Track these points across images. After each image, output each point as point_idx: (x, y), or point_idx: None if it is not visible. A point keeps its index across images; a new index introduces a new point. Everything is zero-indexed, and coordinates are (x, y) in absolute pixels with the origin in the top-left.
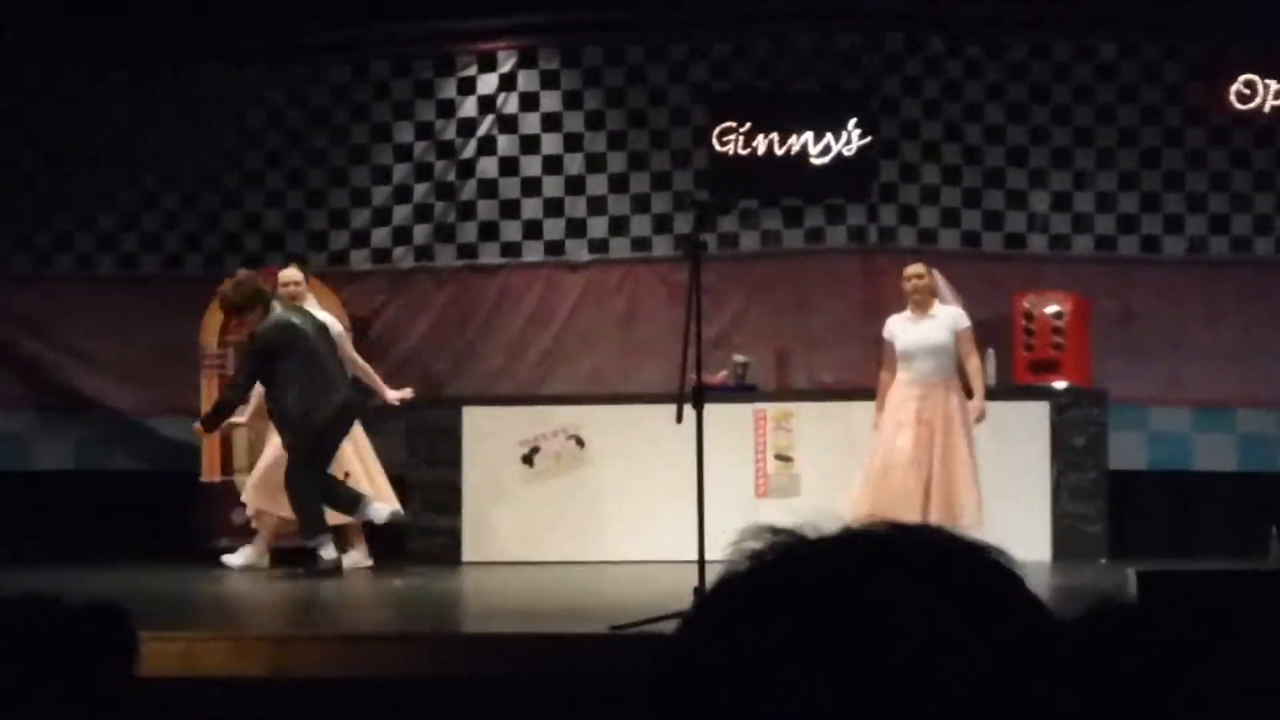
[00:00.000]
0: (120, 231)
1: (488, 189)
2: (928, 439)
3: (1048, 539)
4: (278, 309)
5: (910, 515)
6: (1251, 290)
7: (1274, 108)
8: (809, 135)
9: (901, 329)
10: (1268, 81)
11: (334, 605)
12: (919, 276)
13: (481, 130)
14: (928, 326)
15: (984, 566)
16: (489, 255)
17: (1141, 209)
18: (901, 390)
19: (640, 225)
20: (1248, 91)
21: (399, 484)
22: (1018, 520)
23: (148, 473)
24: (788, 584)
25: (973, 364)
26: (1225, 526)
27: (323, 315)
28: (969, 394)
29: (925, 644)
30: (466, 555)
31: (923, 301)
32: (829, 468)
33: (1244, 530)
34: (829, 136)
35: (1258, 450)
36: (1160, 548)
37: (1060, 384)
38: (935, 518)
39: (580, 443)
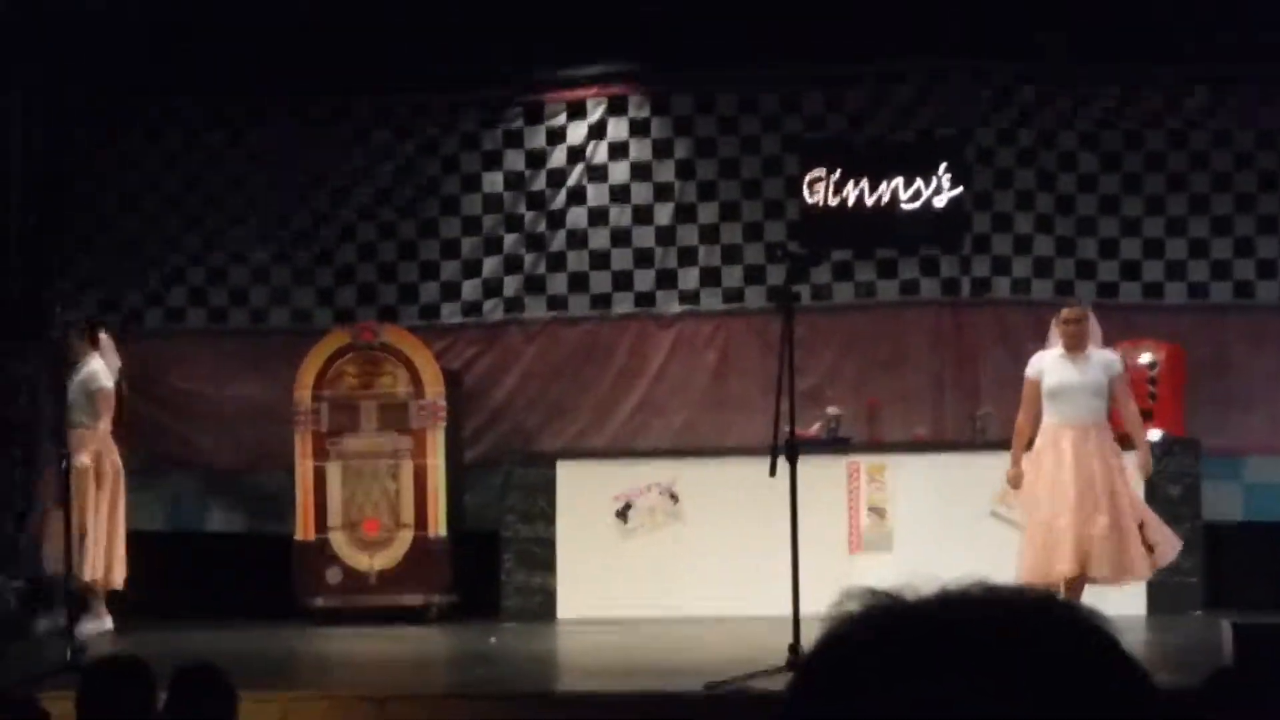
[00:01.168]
0: (208, 286)
1: (577, 239)
2: (1089, 480)
3: (1143, 592)
4: None
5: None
6: None
7: None
8: (899, 181)
9: (1052, 366)
10: None
11: (432, 663)
12: (1077, 321)
13: (571, 180)
14: (1082, 365)
15: (1079, 634)
16: (579, 307)
17: (1235, 254)
18: (1050, 433)
19: (732, 276)
20: None
21: (494, 540)
22: None
23: (241, 534)
24: (879, 659)
25: (1132, 410)
26: None
27: None
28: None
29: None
30: (561, 612)
31: (1079, 345)
32: (922, 521)
33: None
34: (919, 182)
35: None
36: (1258, 601)
37: (1155, 434)
38: (1105, 571)
39: (674, 497)
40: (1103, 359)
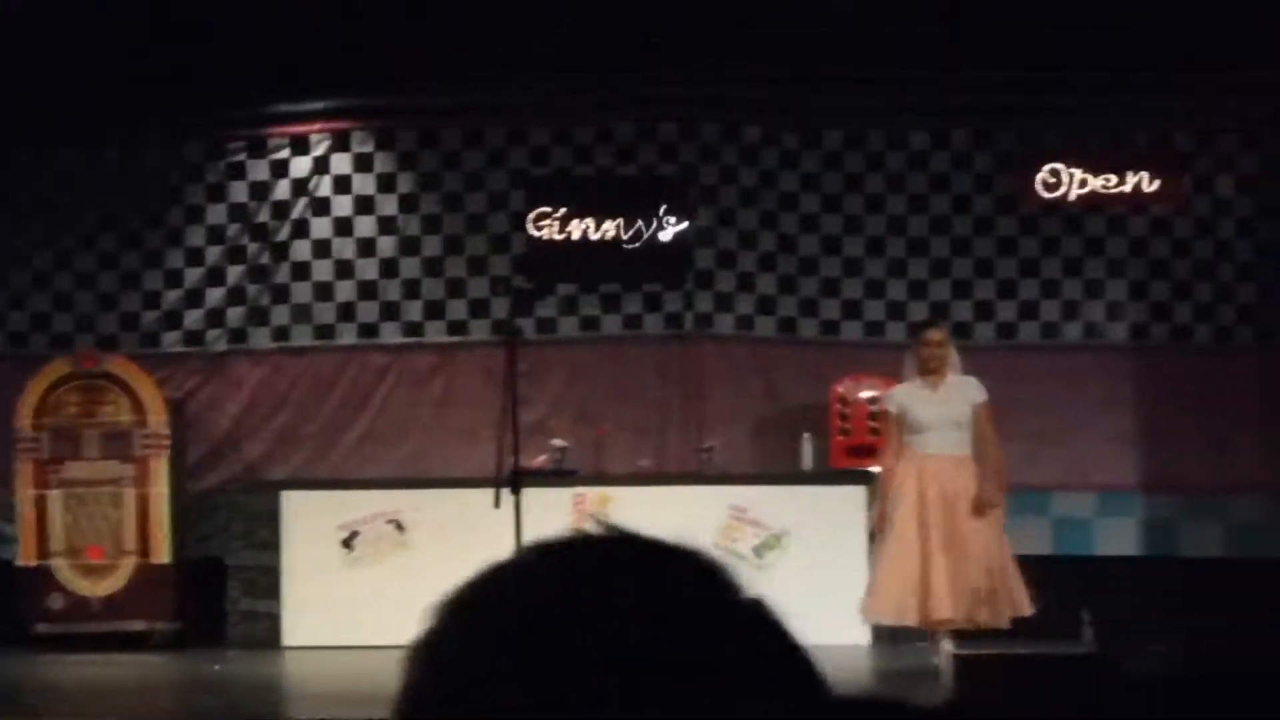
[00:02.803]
0: None
1: (301, 271)
2: (948, 517)
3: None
4: None
5: (932, 604)
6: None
7: (1079, 196)
8: (621, 221)
9: (912, 400)
10: (1072, 170)
11: (157, 689)
12: (939, 344)
13: (295, 213)
14: (944, 396)
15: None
16: (302, 338)
17: (953, 296)
18: (913, 465)
19: (456, 309)
20: (1053, 180)
21: (219, 568)
22: (839, 604)
23: None
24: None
25: (994, 444)
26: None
27: None
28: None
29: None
30: (286, 639)
31: (939, 369)
32: None
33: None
34: (640, 223)
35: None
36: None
37: (877, 468)
38: (981, 615)
39: (400, 527)
40: (966, 386)
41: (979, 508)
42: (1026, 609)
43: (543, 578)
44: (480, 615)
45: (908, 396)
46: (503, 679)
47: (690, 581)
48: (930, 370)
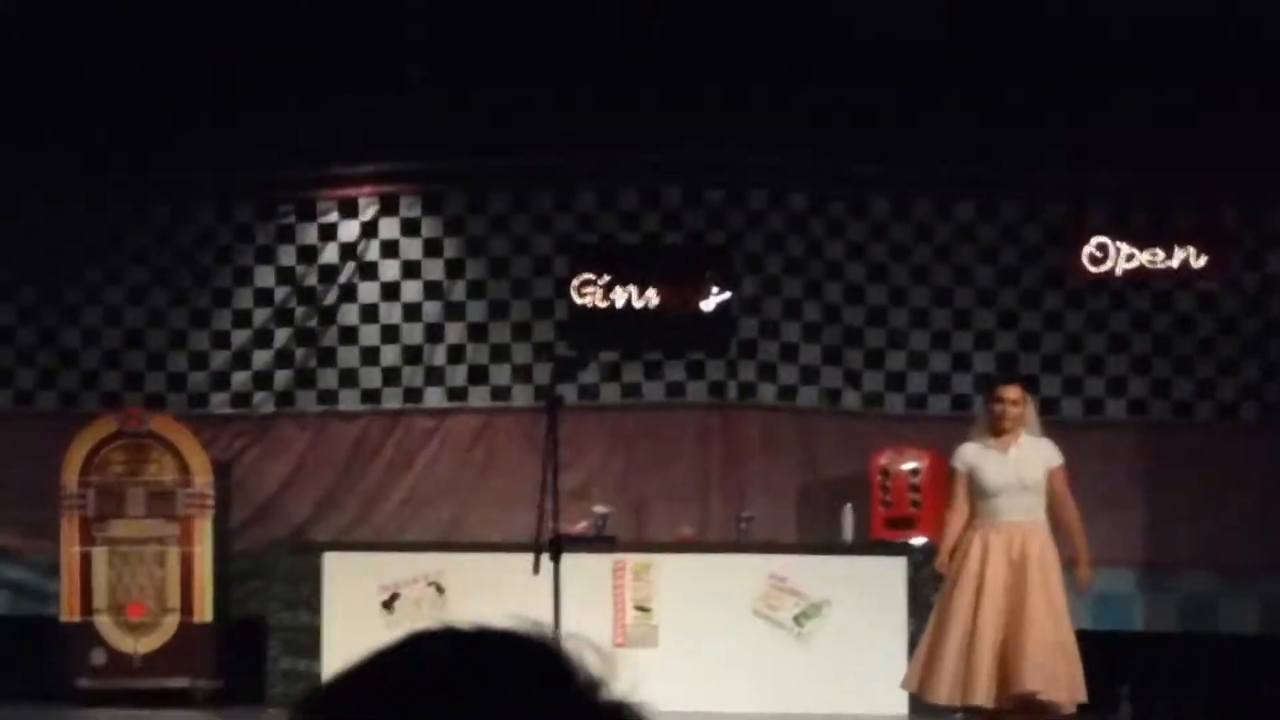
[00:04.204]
0: None
1: (348, 335)
2: (1013, 588)
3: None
4: None
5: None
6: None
7: (1125, 271)
8: (666, 288)
9: (983, 459)
10: (1119, 244)
11: None
12: (1015, 402)
13: (342, 277)
14: (1015, 458)
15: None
16: (349, 402)
17: (997, 368)
18: (978, 535)
19: (500, 375)
20: (1100, 254)
21: (261, 627)
22: (878, 674)
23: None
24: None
25: (1071, 513)
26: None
27: None
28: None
29: None
30: None
31: (1013, 429)
32: (688, 619)
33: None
34: (685, 290)
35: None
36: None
37: (918, 540)
38: (1030, 685)
39: (440, 589)
40: (1042, 448)
41: (1079, 590)
42: (1083, 695)
43: (390, 682)
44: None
45: (977, 456)
46: None
47: (540, 685)
48: (1004, 430)
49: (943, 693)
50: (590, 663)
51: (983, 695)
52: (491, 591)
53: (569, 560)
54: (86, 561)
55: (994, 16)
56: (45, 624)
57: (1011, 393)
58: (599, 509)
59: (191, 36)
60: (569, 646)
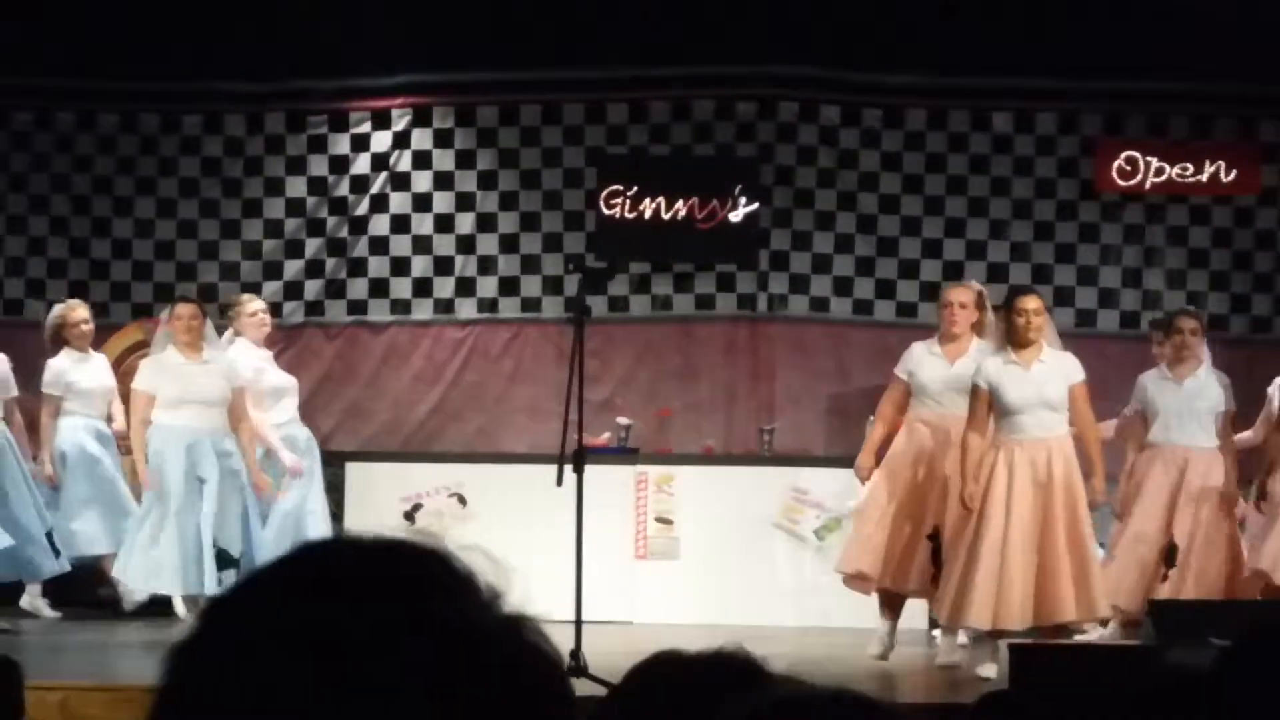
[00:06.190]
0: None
1: (379, 246)
2: (1038, 507)
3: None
4: None
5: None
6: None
7: (1154, 184)
8: (695, 201)
9: (1003, 375)
10: (1149, 159)
11: None
12: (1037, 312)
13: (374, 187)
14: (1039, 374)
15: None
16: (378, 312)
17: (1034, 279)
18: (1004, 453)
19: (530, 286)
20: (1129, 168)
21: None
22: None
23: None
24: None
25: (1091, 429)
26: None
27: None
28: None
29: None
30: None
31: (1035, 341)
32: (708, 531)
33: None
34: (714, 203)
35: None
36: None
37: None
38: (1069, 615)
39: (463, 500)
40: (1063, 362)
41: (1090, 505)
42: (1106, 610)
43: (292, 590)
44: (226, 625)
45: (999, 373)
46: (234, 693)
47: (436, 597)
48: (1029, 341)
49: (975, 616)
50: (488, 574)
51: (1017, 619)
52: (514, 502)
53: (592, 472)
54: None
55: None
56: None
57: (1032, 302)
58: (622, 420)
59: None
60: (467, 558)
